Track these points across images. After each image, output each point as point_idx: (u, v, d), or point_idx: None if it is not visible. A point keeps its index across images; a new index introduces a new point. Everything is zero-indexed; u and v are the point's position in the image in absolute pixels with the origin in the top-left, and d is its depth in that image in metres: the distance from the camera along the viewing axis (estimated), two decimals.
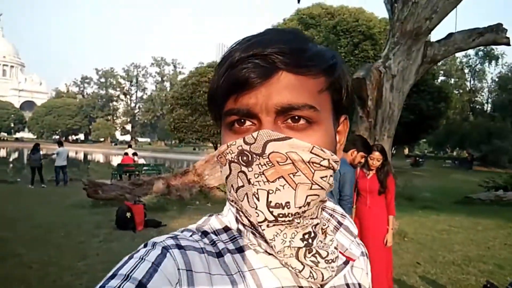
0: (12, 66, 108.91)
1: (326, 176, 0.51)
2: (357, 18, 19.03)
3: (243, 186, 0.50)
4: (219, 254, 0.53)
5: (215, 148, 21.78)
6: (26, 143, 73.18)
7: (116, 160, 35.93)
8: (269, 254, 0.53)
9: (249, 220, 0.52)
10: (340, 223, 0.62)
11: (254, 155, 0.48)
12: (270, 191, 0.48)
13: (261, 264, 0.53)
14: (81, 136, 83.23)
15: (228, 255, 0.53)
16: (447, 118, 36.02)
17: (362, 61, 18.02)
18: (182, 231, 0.56)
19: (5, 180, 17.90)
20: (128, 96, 77.70)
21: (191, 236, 0.55)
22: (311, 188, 0.50)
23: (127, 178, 15.69)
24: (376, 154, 3.84)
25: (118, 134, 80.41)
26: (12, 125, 77.46)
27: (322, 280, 0.53)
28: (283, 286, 0.52)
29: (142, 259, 0.47)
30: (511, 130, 33.31)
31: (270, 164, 0.48)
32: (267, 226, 0.49)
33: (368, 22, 18.88)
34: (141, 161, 17.88)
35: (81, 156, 48.65)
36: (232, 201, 0.55)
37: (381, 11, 18.45)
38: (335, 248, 0.57)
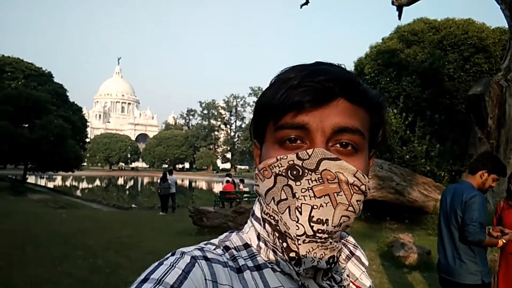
0: (129, 103, 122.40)
1: (360, 200, 0.54)
2: (466, 30, 17.37)
3: (286, 199, 0.52)
4: (239, 270, 0.55)
5: None
6: (140, 172, 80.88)
7: (217, 187, 37.51)
8: (285, 274, 0.55)
9: (282, 234, 0.53)
10: (352, 253, 0.64)
11: (306, 170, 0.51)
12: (315, 206, 0.50)
13: (278, 284, 0.54)
14: (187, 165, 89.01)
15: (247, 271, 0.55)
16: None
17: (475, 76, 16.38)
18: (206, 244, 0.59)
19: (122, 206, 19.65)
20: (228, 126, 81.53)
21: (214, 249, 0.57)
22: (347, 209, 0.52)
23: (229, 205, 16.05)
24: None
25: (219, 162, 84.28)
26: (129, 155, 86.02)
27: None
28: None
29: (172, 266, 0.49)
30: None
31: (320, 181, 0.51)
32: (303, 241, 0.51)
33: (479, 33, 17.11)
34: (246, 189, 18.24)
35: (186, 183, 51.82)
36: (267, 214, 0.56)
37: (494, 20, 16.65)
38: (347, 276, 0.61)
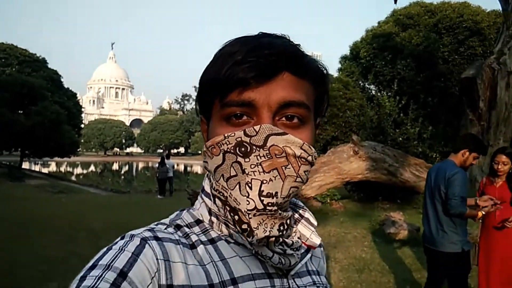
0: (123, 89, 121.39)
1: (307, 171, 0.56)
2: (462, 13, 17.47)
3: (236, 175, 0.53)
4: (193, 246, 0.56)
5: None
6: (135, 157, 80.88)
7: None
8: (239, 244, 0.58)
9: (233, 208, 0.54)
10: (301, 216, 0.66)
11: (254, 147, 0.52)
12: (264, 181, 0.52)
13: (233, 254, 0.57)
14: (182, 150, 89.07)
15: (201, 246, 0.56)
16: None
17: (469, 59, 16.55)
18: (156, 224, 0.59)
19: (119, 190, 19.87)
20: None
21: (165, 229, 0.58)
22: (295, 181, 0.54)
23: None
24: (503, 158, 3.37)
25: None
26: (123, 141, 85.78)
27: (290, 266, 0.58)
28: (253, 273, 0.56)
29: (121, 249, 0.49)
30: None
31: (269, 156, 0.52)
32: (254, 215, 0.52)
33: (474, 17, 17.23)
34: None
35: (181, 168, 51.94)
36: (217, 190, 0.57)
37: (489, 3, 16.74)
38: (298, 238, 0.63)
